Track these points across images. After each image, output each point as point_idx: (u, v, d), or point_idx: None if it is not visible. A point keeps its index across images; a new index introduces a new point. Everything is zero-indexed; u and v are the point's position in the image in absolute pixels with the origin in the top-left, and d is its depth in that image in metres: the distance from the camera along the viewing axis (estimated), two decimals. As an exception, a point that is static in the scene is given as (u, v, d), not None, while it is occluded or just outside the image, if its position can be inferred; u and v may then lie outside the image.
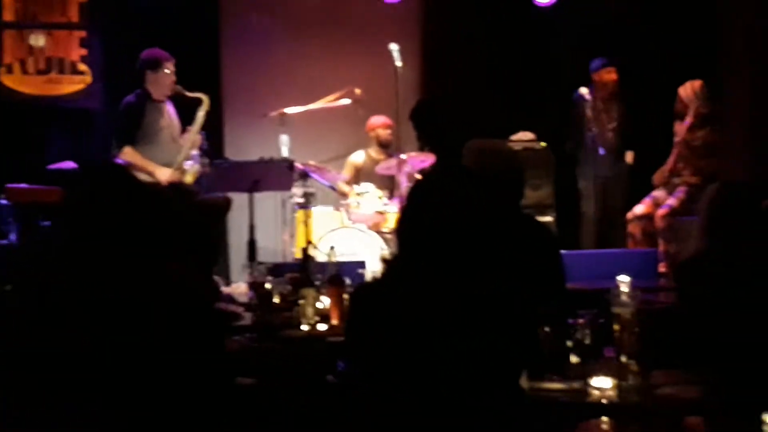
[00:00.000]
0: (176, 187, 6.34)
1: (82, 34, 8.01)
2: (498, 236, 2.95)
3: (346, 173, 8.08)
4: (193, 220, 4.12)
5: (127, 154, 6.51)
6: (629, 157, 7.86)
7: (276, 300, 4.64)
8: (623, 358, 2.92)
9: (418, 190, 2.71)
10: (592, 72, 7.86)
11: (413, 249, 2.66)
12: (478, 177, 3.28)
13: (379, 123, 8.11)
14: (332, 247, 4.44)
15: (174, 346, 2.73)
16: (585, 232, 7.93)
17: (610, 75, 7.79)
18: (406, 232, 2.69)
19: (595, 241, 7.80)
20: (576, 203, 8.05)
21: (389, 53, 7.10)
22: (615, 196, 7.82)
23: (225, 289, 6.37)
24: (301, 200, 7.34)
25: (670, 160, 7.19)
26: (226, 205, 6.51)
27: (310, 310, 4.13)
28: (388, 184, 7.89)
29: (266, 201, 7.61)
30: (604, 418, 2.86)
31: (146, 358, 2.60)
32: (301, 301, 4.15)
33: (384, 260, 3.10)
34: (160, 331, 2.71)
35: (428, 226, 2.61)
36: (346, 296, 4.16)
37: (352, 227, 7.51)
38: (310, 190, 7.44)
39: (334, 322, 4.15)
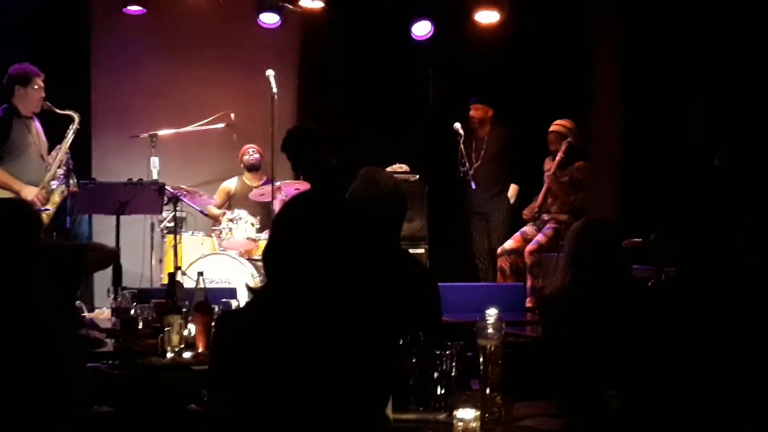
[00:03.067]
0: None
1: (-59, 42, 7.66)
2: (368, 266, 2.94)
3: (217, 198, 7.98)
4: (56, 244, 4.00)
5: None
6: (511, 191, 7.93)
7: (140, 326, 4.50)
8: (487, 390, 2.94)
9: (284, 215, 2.65)
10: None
11: (279, 275, 2.61)
12: (350, 204, 3.28)
13: (243, 148, 8.07)
14: (200, 273, 4.34)
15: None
16: (460, 264, 8.03)
17: (475, 112, 7.93)
18: (272, 257, 2.63)
19: (469, 274, 7.92)
20: (448, 236, 8.15)
21: (266, 79, 7.06)
22: (490, 231, 7.93)
23: (88, 315, 6.17)
24: (171, 225, 7.21)
25: (540, 196, 7.35)
26: (114, 256, 6.27)
27: (175, 338, 4.02)
28: (262, 211, 7.83)
29: (134, 224, 7.44)
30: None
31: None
32: (166, 328, 4.03)
33: (250, 288, 3.02)
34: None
35: (294, 252, 2.56)
36: (213, 323, 4.07)
37: (223, 254, 7.40)
38: (181, 214, 7.31)
39: (200, 349, 4.05)
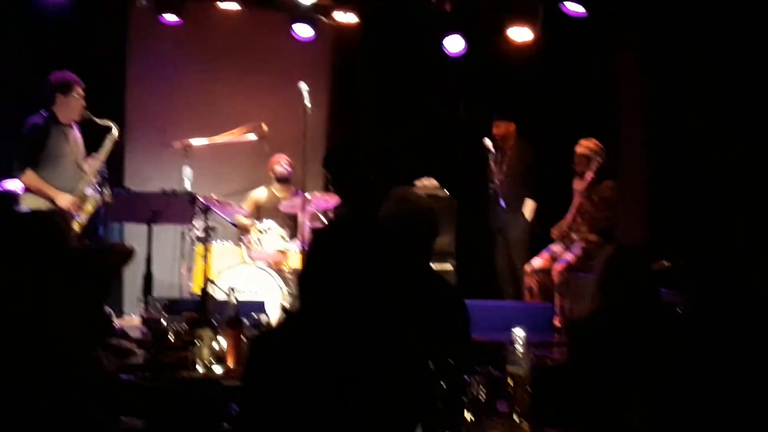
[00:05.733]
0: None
1: (-19, 49, 7.77)
2: (401, 291, 2.98)
3: (246, 207, 8.03)
4: (84, 254, 4.05)
5: (28, 177, 6.34)
6: (528, 207, 7.94)
7: (171, 338, 4.55)
8: (516, 417, 2.96)
9: (321, 238, 2.69)
10: None
11: (314, 300, 2.65)
12: (386, 228, 3.30)
13: (275, 158, 8.12)
14: (232, 289, 4.37)
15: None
16: (489, 281, 8.04)
17: (497, 129, 7.95)
18: (307, 282, 2.67)
19: (495, 290, 7.93)
20: (476, 251, 8.16)
21: (298, 91, 7.12)
22: (509, 247, 7.93)
23: (117, 321, 6.23)
24: (201, 234, 7.26)
25: (569, 215, 7.35)
26: (129, 254, 6.33)
27: (206, 352, 4.07)
28: (291, 222, 7.88)
29: (165, 233, 7.50)
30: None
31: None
32: (197, 342, 4.08)
33: (285, 310, 3.05)
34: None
35: (328, 278, 2.59)
36: (244, 339, 4.12)
37: (252, 264, 7.45)
38: (211, 223, 7.37)
39: (231, 365, 4.09)
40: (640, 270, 3.88)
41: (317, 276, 2.62)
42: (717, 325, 4.09)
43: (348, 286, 2.57)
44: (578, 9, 6.87)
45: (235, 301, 4.30)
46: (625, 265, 3.85)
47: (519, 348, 3.02)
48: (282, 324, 2.84)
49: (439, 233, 3.77)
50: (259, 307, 6.28)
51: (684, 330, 3.85)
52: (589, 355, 3.87)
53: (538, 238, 7.70)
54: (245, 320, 4.31)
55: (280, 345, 2.58)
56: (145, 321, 5.07)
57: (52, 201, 6.36)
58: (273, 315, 6.58)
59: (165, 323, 4.63)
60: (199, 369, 4.08)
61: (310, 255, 2.66)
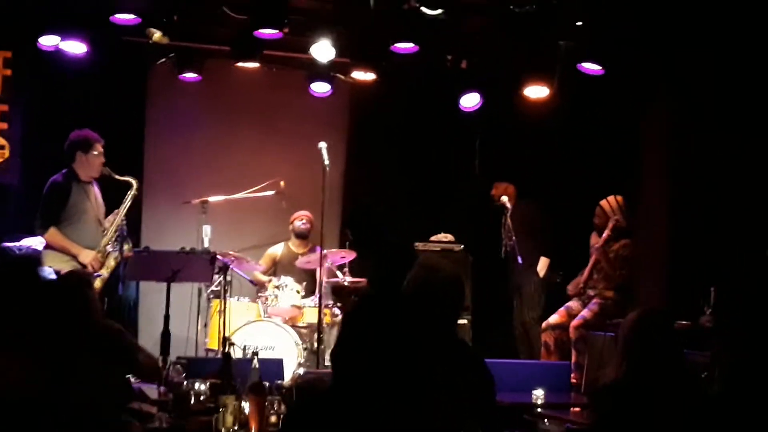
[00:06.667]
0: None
1: (4, 107, 7.85)
2: (429, 363, 3.00)
3: (263, 263, 8.05)
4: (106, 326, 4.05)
5: (51, 235, 6.40)
6: (540, 265, 7.94)
7: (192, 402, 4.54)
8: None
9: (352, 319, 2.74)
10: None
11: (347, 375, 2.70)
12: (411, 302, 3.32)
13: (296, 215, 8.16)
14: (255, 353, 4.36)
15: None
16: (504, 337, 8.02)
17: (495, 190, 8.02)
18: (340, 359, 2.72)
19: (510, 346, 7.90)
20: (490, 307, 8.15)
21: (315, 147, 7.17)
22: (523, 303, 7.92)
23: (134, 381, 6.20)
24: (218, 289, 7.27)
25: (585, 271, 7.35)
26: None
27: (229, 419, 4.05)
28: (307, 278, 7.90)
29: (181, 287, 7.48)
30: None
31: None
32: (221, 409, 4.07)
33: (299, 388, 3.09)
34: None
35: (360, 355, 2.66)
36: (267, 404, 4.11)
37: (268, 320, 7.45)
38: (228, 279, 7.37)
39: (254, 431, 4.07)
40: (665, 334, 3.88)
41: (348, 352, 2.70)
42: (745, 394, 4.09)
43: (377, 361, 2.66)
44: (595, 68, 6.91)
45: (257, 365, 4.29)
46: (650, 330, 3.85)
47: (548, 426, 3.02)
48: (316, 398, 2.88)
49: (464, 301, 3.78)
50: (278, 365, 6.28)
51: (715, 403, 3.85)
52: (615, 422, 3.87)
53: (551, 295, 7.69)
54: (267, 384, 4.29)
55: (314, 420, 2.61)
56: (166, 382, 5.04)
57: (74, 257, 6.40)
58: (289, 371, 6.64)
59: (186, 386, 4.62)
60: (223, 436, 4.06)
61: (341, 332, 2.72)
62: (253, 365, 4.25)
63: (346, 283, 7.57)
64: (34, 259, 4.48)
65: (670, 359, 3.87)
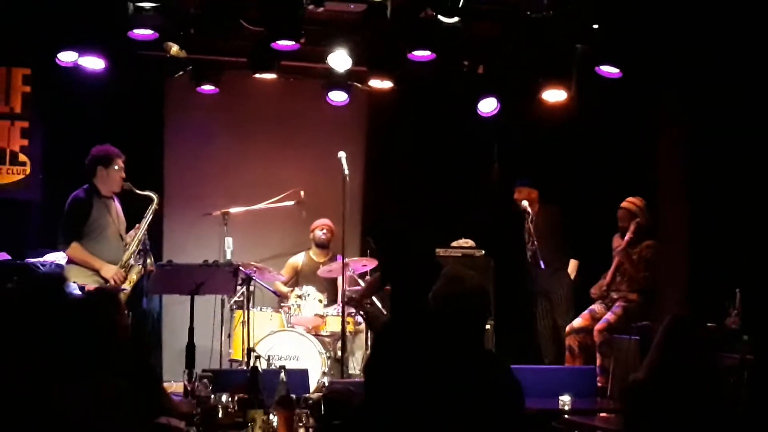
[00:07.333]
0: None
1: (25, 124, 7.92)
2: (458, 374, 3.03)
3: (285, 274, 8.09)
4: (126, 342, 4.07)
5: (74, 250, 6.45)
6: (571, 267, 7.91)
7: (220, 415, 4.54)
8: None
9: (384, 336, 2.78)
10: None
11: (378, 391, 2.74)
12: (441, 317, 3.34)
13: (316, 224, 8.18)
14: (282, 367, 4.37)
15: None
16: (524, 341, 8.01)
17: (518, 194, 7.95)
18: (372, 375, 2.76)
19: (532, 351, 7.89)
20: (513, 312, 8.13)
21: (334, 156, 7.20)
22: (553, 308, 7.89)
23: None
24: (241, 300, 7.30)
25: (608, 274, 7.32)
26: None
27: (258, 433, 4.07)
28: (329, 286, 7.92)
29: (204, 298, 7.52)
30: None
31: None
32: (249, 423, 4.08)
33: (327, 400, 3.11)
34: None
35: (392, 371, 2.74)
36: (295, 417, 4.12)
37: (291, 330, 7.47)
38: (251, 289, 7.40)
39: (283, 445, 4.08)
40: (697, 340, 3.94)
41: (380, 369, 2.73)
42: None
43: (407, 377, 2.76)
44: (613, 71, 6.89)
45: (284, 379, 4.30)
46: (682, 333, 3.92)
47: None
48: (351, 418, 2.93)
49: (490, 311, 3.80)
50: (303, 376, 6.30)
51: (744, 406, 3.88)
52: (645, 420, 3.91)
53: (581, 297, 7.67)
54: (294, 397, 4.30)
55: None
56: (190, 393, 5.06)
57: (97, 272, 6.44)
58: (313, 380, 6.65)
59: (213, 400, 4.63)
60: (253, 450, 4.07)
61: (373, 349, 2.76)
62: (280, 378, 4.26)
63: (353, 296, 7.38)
64: (58, 275, 4.49)
65: (700, 363, 3.93)
